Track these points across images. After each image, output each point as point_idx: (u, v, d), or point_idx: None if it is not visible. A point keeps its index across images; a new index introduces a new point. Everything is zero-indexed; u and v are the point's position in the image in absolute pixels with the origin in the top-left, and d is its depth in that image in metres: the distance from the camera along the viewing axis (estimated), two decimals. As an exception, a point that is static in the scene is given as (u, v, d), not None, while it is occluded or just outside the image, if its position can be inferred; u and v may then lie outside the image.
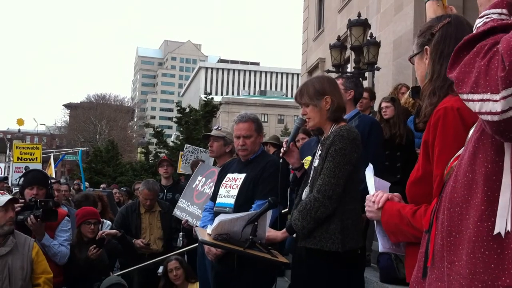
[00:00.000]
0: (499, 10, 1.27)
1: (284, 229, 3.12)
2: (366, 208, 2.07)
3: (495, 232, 1.16)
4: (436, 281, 1.38)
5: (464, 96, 1.17)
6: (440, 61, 1.93)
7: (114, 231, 5.23)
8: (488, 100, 1.09)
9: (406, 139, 5.26)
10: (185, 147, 10.42)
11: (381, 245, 2.10)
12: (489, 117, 1.10)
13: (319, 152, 3.07)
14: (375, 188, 2.15)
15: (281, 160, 3.37)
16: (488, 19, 1.26)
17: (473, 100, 1.14)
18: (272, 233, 3.15)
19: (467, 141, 1.37)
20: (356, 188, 3.03)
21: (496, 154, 1.21)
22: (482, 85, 1.11)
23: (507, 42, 1.08)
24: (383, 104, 5.56)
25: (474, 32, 1.25)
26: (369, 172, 2.22)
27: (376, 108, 6.12)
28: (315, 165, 3.07)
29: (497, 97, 1.07)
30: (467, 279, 1.22)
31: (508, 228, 1.15)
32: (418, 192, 1.89)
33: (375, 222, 2.09)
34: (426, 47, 1.98)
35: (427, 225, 1.52)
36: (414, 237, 1.87)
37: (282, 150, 3.30)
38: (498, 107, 1.07)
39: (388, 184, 2.30)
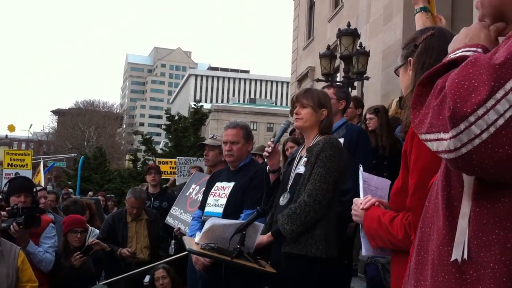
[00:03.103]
0: (473, 49, 1.26)
1: (270, 233, 3.13)
2: (352, 212, 2.08)
3: (452, 258, 1.18)
4: None
5: (423, 137, 1.19)
6: (422, 72, 1.95)
7: (104, 244, 5.18)
8: (442, 139, 1.12)
9: (394, 149, 5.26)
10: (177, 159, 10.17)
11: (364, 249, 2.12)
12: (445, 155, 1.13)
13: (305, 159, 3.10)
14: (374, 187, 2.16)
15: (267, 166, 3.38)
16: (456, 55, 1.25)
17: (430, 140, 1.16)
18: (258, 238, 3.15)
19: None
20: (337, 196, 3.11)
21: (458, 181, 1.23)
22: (435, 124, 1.14)
23: (451, 82, 1.11)
24: (367, 116, 5.59)
25: (435, 67, 1.25)
26: (362, 175, 2.21)
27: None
28: (299, 172, 3.10)
29: (447, 136, 1.11)
30: None
31: (465, 256, 1.16)
32: (400, 202, 1.91)
33: (360, 226, 2.09)
34: (410, 58, 2.00)
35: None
36: (391, 243, 1.91)
37: (266, 151, 3.30)
38: (451, 145, 1.10)
39: (388, 181, 2.29)
